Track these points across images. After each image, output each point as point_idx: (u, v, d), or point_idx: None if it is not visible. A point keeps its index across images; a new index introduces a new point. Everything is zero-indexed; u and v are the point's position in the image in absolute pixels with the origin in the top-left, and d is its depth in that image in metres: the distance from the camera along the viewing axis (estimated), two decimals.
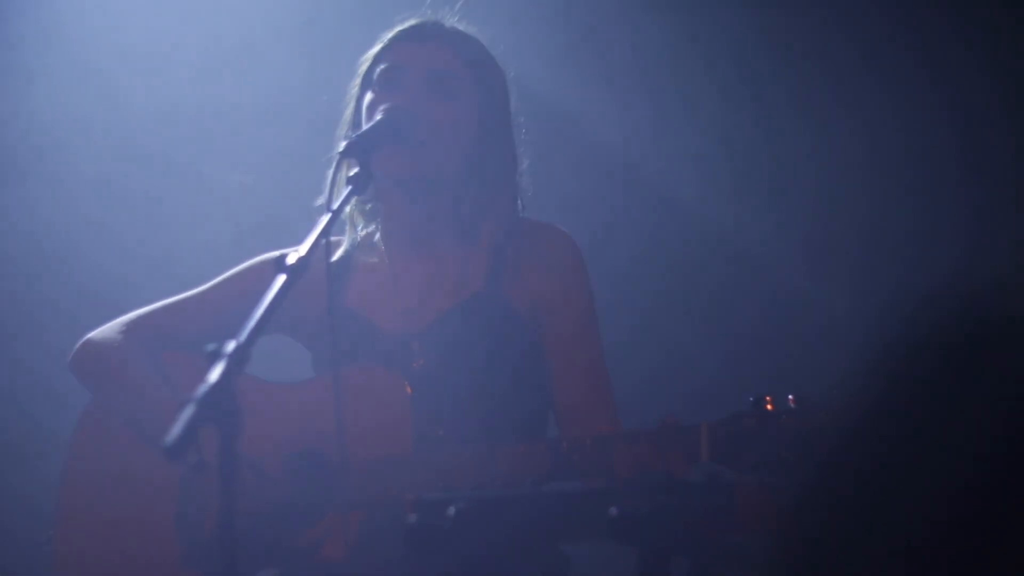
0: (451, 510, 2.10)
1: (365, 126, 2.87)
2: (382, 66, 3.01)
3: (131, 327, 3.07)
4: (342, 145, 2.72)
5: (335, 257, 3.06)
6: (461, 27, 3.08)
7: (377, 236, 3.08)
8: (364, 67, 3.05)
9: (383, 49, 3.04)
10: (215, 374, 2.01)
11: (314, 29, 4.46)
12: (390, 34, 3.05)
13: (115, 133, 4.57)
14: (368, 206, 3.07)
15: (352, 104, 3.05)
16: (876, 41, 4.28)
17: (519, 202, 3.08)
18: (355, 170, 2.65)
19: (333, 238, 3.06)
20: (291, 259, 2.29)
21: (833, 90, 4.32)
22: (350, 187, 2.63)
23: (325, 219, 2.49)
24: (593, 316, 3.04)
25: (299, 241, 3.01)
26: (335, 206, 2.56)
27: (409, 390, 2.82)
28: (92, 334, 3.09)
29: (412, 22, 3.06)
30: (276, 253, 3.01)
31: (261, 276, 2.96)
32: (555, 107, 4.31)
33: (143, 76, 4.57)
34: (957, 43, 4.18)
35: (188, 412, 1.95)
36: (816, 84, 4.33)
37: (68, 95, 4.55)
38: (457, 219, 3.02)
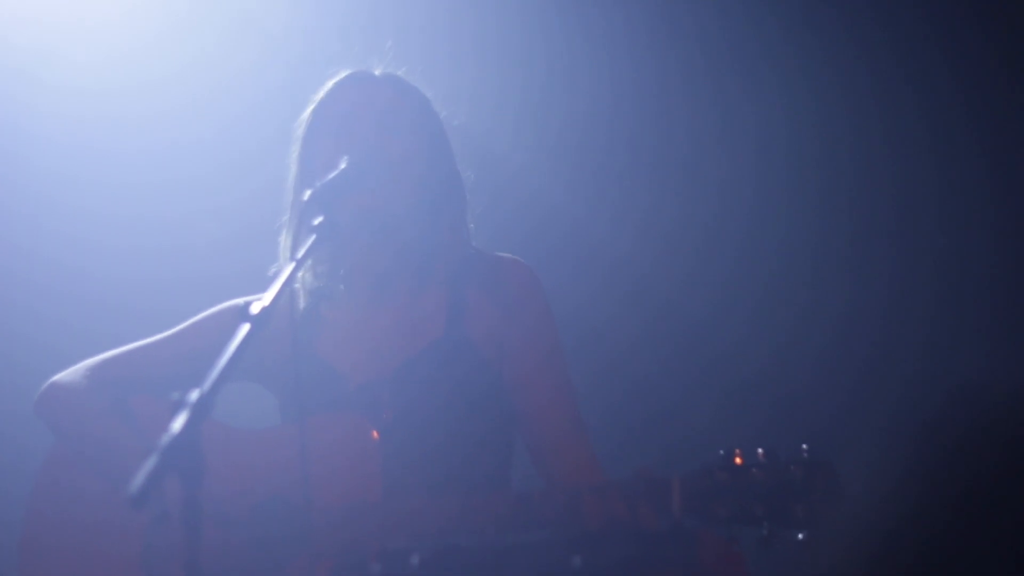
0: (415, 559, 2.10)
1: (328, 176, 2.89)
2: (325, 117, 3.05)
3: (96, 370, 3.07)
4: (307, 194, 2.72)
5: (303, 307, 3.08)
6: (389, 71, 3.14)
7: (342, 286, 3.09)
8: (302, 128, 3.10)
9: (321, 103, 3.09)
10: (178, 423, 2.01)
11: (291, 76, 4.49)
12: (326, 88, 3.10)
13: (92, 177, 4.59)
14: (325, 267, 3.08)
15: (295, 167, 3.08)
16: (841, 55, 4.32)
17: (469, 233, 3.12)
18: (319, 219, 2.66)
19: (298, 286, 3.07)
20: (255, 308, 2.28)
21: (798, 121, 4.35)
22: (314, 236, 2.63)
23: (289, 268, 2.49)
24: (558, 346, 3.04)
25: (265, 288, 3.05)
26: (299, 255, 2.56)
27: (377, 436, 2.82)
28: (57, 377, 3.08)
29: (345, 73, 3.11)
30: (242, 300, 3.04)
31: (227, 323, 2.96)
32: (497, 157, 4.34)
33: (118, 118, 4.60)
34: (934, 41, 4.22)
35: (151, 462, 1.94)
36: (776, 115, 4.36)
37: (44, 137, 4.58)
38: (415, 257, 3.03)
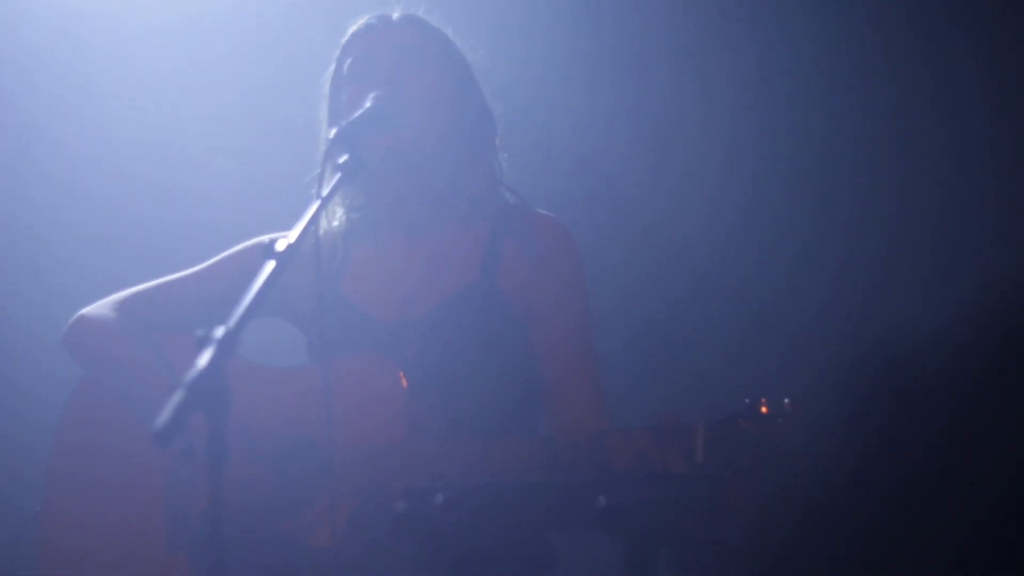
0: (439, 498, 2.10)
1: (353, 114, 2.87)
2: (349, 60, 3.04)
3: (125, 304, 3.09)
4: (332, 132, 2.72)
5: (334, 247, 3.08)
6: (408, 13, 3.13)
7: (373, 226, 3.09)
8: (327, 84, 3.11)
9: (343, 51, 3.10)
10: (204, 360, 2.00)
11: (298, 21, 4.47)
12: (344, 38, 3.10)
13: (99, 117, 4.58)
14: (358, 214, 3.08)
15: (326, 124, 3.08)
16: (874, 39, 4.29)
17: (503, 176, 3.11)
18: (345, 157, 2.65)
19: (334, 224, 3.08)
20: (280, 246, 2.28)
21: (824, 85, 4.33)
22: (340, 175, 2.63)
23: (315, 206, 2.49)
24: (586, 312, 3.03)
25: (289, 226, 3.04)
26: (325, 193, 2.55)
27: (404, 381, 2.82)
28: (85, 310, 3.10)
29: (365, 19, 3.11)
30: (268, 237, 3.04)
31: (254, 259, 2.96)
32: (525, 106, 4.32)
33: (127, 61, 4.59)
34: (950, 36, 4.19)
35: (177, 398, 1.94)
36: (807, 81, 4.33)
37: (52, 84, 4.57)
38: (445, 196, 3.03)
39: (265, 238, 3.04)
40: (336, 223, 3.11)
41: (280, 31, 4.50)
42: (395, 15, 3.11)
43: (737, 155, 4.39)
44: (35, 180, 4.62)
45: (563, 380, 2.96)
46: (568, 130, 4.47)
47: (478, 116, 3.09)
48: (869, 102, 4.28)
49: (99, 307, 3.09)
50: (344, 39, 3.11)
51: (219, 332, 2.04)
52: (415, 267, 3.03)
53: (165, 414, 1.92)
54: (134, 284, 3.15)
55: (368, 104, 2.87)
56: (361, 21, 3.11)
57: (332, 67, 3.11)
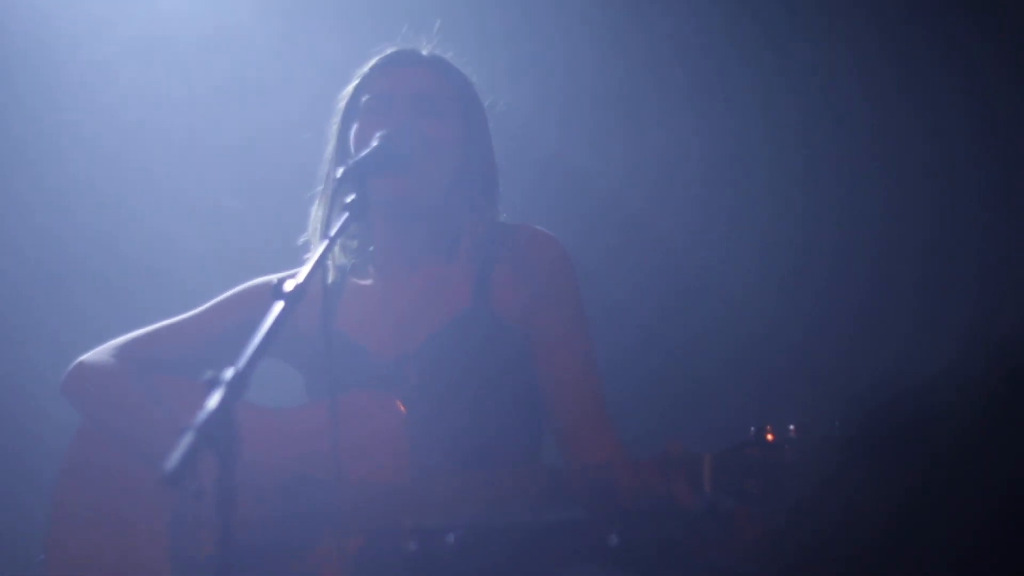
0: (451, 538, 2.09)
1: (360, 153, 2.87)
2: (367, 96, 3.05)
3: (124, 350, 3.07)
4: (339, 172, 2.71)
5: (331, 283, 3.07)
6: (436, 53, 3.12)
7: (366, 260, 3.09)
8: (344, 102, 3.10)
9: (364, 80, 3.09)
10: (214, 401, 2.00)
11: (309, 54, 4.48)
12: (368, 65, 3.10)
13: (111, 155, 4.59)
14: (355, 242, 3.09)
15: (334, 140, 3.08)
16: (868, 49, 4.30)
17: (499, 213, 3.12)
18: (352, 197, 2.65)
19: (327, 263, 3.08)
20: (288, 286, 2.27)
21: (822, 100, 4.34)
22: (347, 214, 2.62)
23: (323, 246, 2.48)
24: (583, 317, 3.04)
25: (289, 265, 3.04)
26: (332, 232, 2.55)
27: (404, 410, 2.82)
28: (84, 357, 3.08)
29: (390, 51, 3.11)
30: (268, 278, 3.04)
31: (254, 301, 2.97)
32: (538, 136, 4.33)
33: (138, 94, 4.59)
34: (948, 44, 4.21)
35: (187, 439, 1.93)
36: (802, 92, 4.35)
37: (66, 116, 4.58)
38: (444, 235, 3.03)
39: (269, 278, 3.05)
40: (336, 260, 3.11)
41: (289, 67, 4.51)
42: (424, 51, 3.11)
43: (734, 176, 4.40)
44: (41, 210, 4.63)
45: (564, 386, 2.97)
46: (570, 148, 4.48)
47: (483, 167, 3.09)
48: (874, 115, 4.29)
49: (98, 353, 3.08)
50: (369, 66, 3.10)
51: (228, 374, 2.04)
52: (410, 299, 3.03)
53: (175, 456, 1.92)
54: (133, 329, 3.14)
55: (374, 143, 2.87)
56: (388, 51, 3.11)
57: (351, 86, 3.10)
